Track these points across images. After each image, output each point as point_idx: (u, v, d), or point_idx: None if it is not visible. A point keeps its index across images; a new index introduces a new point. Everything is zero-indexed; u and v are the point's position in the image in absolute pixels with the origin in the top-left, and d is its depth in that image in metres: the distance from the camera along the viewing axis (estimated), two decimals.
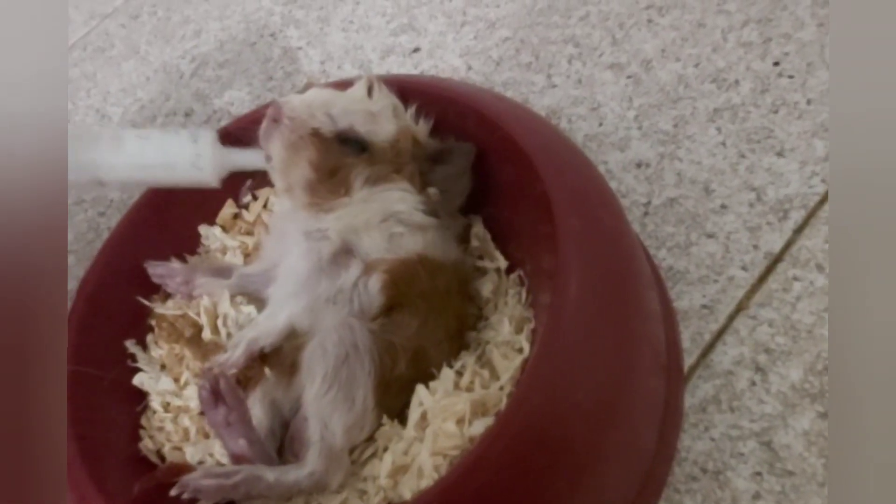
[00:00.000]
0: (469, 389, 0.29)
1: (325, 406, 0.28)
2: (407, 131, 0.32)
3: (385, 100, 0.32)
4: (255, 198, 0.38)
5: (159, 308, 0.34)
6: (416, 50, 0.53)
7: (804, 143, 0.39)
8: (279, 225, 0.34)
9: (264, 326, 0.31)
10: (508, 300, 0.33)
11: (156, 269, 0.34)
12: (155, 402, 0.32)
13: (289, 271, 0.32)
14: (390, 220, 0.31)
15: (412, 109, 0.33)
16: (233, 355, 0.30)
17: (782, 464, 0.31)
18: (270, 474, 0.27)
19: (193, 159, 0.31)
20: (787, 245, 0.36)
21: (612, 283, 0.27)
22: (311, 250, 0.31)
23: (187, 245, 0.37)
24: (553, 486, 0.25)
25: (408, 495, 0.26)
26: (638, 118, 0.43)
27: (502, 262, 0.34)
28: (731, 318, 0.35)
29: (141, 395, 0.33)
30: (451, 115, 0.33)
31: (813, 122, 0.40)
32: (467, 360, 0.30)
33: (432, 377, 0.30)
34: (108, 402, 0.32)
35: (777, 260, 0.36)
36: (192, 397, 0.32)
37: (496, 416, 0.26)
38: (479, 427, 0.26)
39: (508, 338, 0.30)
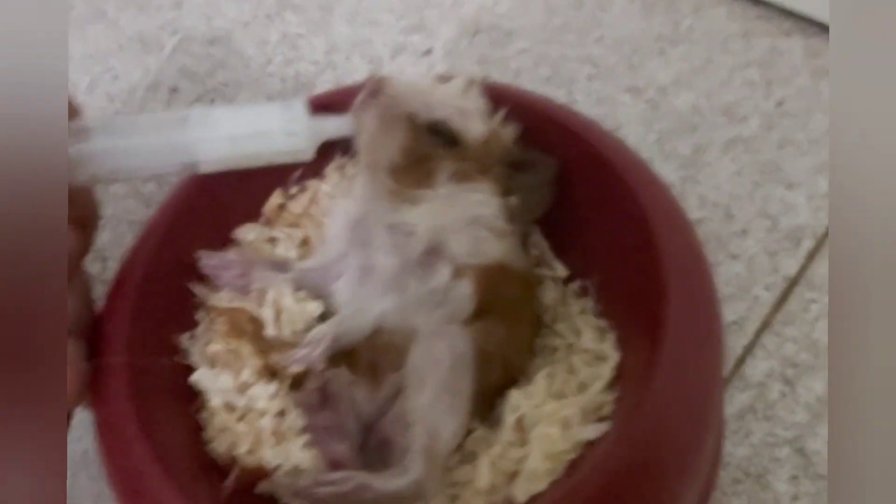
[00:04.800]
0: (561, 395, 0.29)
1: (435, 414, 0.27)
2: (496, 134, 0.32)
3: (478, 101, 0.32)
4: (302, 189, 0.37)
5: (218, 301, 0.32)
6: (429, 51, 0.53)
7: (809, 178, 0.43)
8: (347, 218, 0.33)
9: (351, 323, 0.29)
10: (571, 309, 0.34)
11: (210, 261, 0.32)
12: (214, 402, 0.30)
13: (372, 267, 0.31)
14: (477, 223, 0.31)
15: (500, 114, 0.33)
16: (313, 352, 0.29)
17: (815, 468, 0.34)
18: (378, 483, 0.26)
19: (288, 126, 0.29)
20: (802, 269, 0.40)
21: (706, 303, 0.29)
22: (397, 246, 0.30)
23: (227, 239, 0.35)
24: (663, 488, 0.26)
25: (522, 498, 0.26)
26: (659, 141, 0.46)
27: (562, 271, 0.35)
28: (759, 334, 0.38)
29: (195, 394, 0.31)
30: (531, 124, 0.34)
31: (815, 160, 0.44)
32: (557, 366, 0.31)
33: (514, 383, 0.30)
34: (167, 399, 0.29)
35: (794, 283, 0.40)
36: (258, 397, 0.30)
37: (612, 419, 0.27)
38: (587, 432, 0.27)
39: (590, 345, 0.31)
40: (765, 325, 0.38)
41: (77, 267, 0.29)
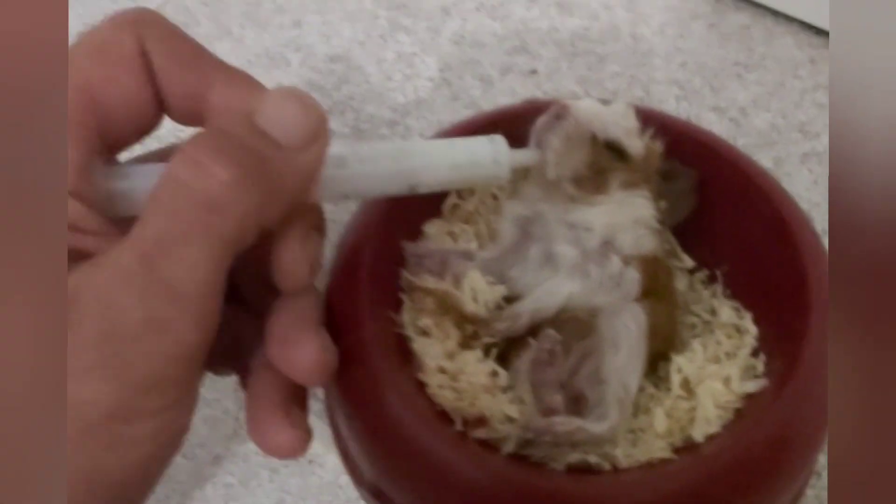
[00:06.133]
0: (716, 360, 0.36)
1: (627, 372, 0.34)
2: (652, 150, 0.39)
3: (635, 121, 0.39)
4: (472, 192, 0.43)
5: (423, 283, 0.38)
6: (534, 72, 0.60)
7: None
8: (518, 216, 0.40)
9: (546, 300, 0.36)
10: (701, 294, 0.41)
11: (416, 250, 0.39)
12: (430, 365, 0.37)
13: (552, 256, 0.38)
14: (639, 223, 0.38)
15: (649, 132, 0.40)
16: (515, 324, 0.36)
17: None
18: (591, 426, 0.33)
19: (495, 156, 0.35)
20: None
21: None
22: (579, 239, 0.37)
23: (419, 232, 0.42)
24: (814, 433, 0.33)
25: (700, 438, 0.33)
26: None
27: (689, 262, 0.42)
28: None
29: (410, 360, 0.37)
30: (671, 140, 0.41)
31: None
32: (705, 338, 0.38)
33: (670, 352, 0.37)
34: (397, 364, 0.36)
35: None
36: (466, 362, 0.36)
37: (768, 377, 0.34)
38: (748, 386, 0.34)
39: (728, 320, 0.38)
40: None
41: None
